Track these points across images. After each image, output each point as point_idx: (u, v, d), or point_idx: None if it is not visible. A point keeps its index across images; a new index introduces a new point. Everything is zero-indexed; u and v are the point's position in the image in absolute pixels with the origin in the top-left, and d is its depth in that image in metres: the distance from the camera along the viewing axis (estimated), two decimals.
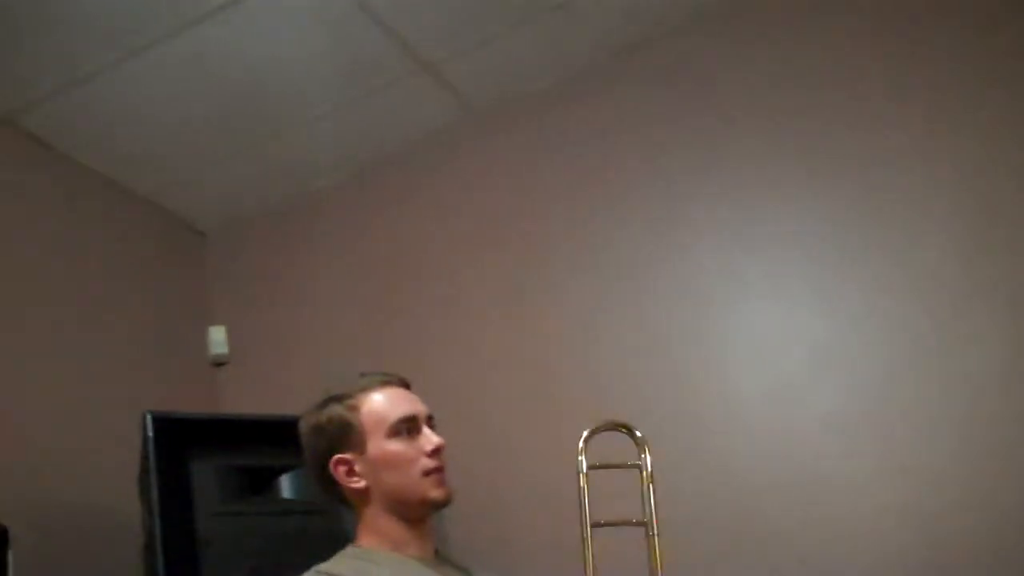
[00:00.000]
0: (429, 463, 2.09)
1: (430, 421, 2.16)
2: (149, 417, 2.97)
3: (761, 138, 3.47)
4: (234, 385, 4.18)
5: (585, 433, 2.12)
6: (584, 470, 2.05)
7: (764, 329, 3.32)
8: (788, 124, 3.43)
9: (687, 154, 3.57)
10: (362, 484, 2.11)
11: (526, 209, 3.83)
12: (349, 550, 2.12)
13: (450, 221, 3.97)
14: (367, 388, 2.16)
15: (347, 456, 2.12)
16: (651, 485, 2.03)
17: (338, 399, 2.16)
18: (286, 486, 3.11)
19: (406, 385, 2.22)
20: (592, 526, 1.94)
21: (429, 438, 2.11)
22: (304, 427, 2.19)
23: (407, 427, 2.11)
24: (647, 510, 2.00)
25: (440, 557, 2.19)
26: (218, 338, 4.23)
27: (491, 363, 3.71)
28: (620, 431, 2.17)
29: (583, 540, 1.92)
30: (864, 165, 3.28)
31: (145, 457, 2.95)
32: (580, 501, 1.99)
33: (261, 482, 3.11)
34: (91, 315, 3.71)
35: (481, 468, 3.47)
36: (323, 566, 2.02)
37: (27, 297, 3.47)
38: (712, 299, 3.42)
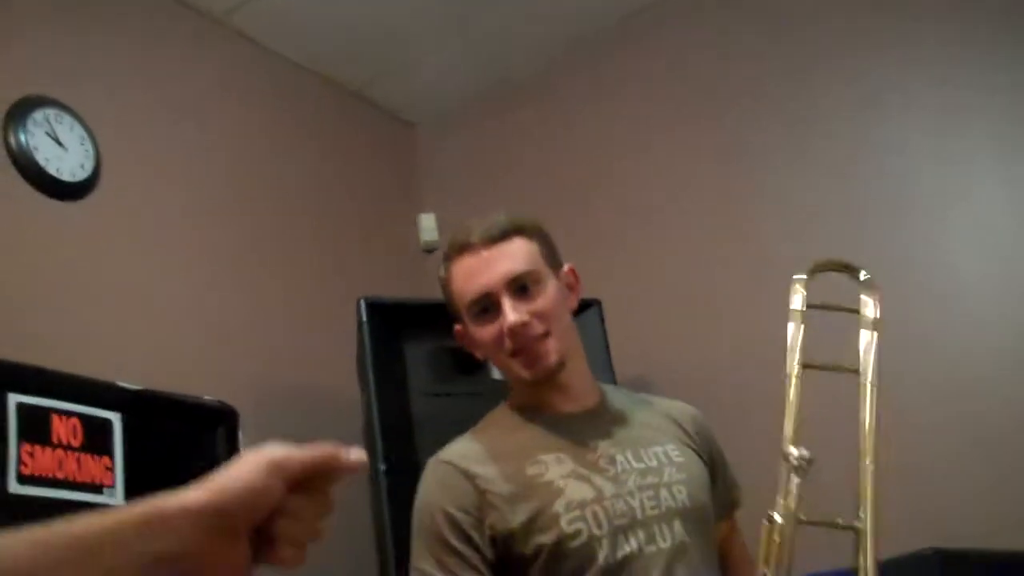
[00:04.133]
0: (512, 343, 1.84)
1: (518, 283, 1.86)
2: (363, 303, 3.06)
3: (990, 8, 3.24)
4: None
5: (802, 276, 1.81)
6: (800, 307, 1.74)
7: (991, 218, 3.15)
8: None
9: (895, 25, 3.38)
10: (481, 354, 1.96)
11: (729, 87, 3.72)
12: (491, 415, 1.99)
13: (651, 106, 3.90)
14: (450, 257, 1.92)
15: (461, 328, 1.95)
16: (874, 332, 1.75)
17: (444, 260, 1.96)
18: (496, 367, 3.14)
19: (493, 239, 1.88)
20: (803, 366, 1.66)
21: (505, 316, 1.82)
22: None
23: (485, 306, 1.86)
24: (866, 357, 1.71)
25: (608, 407, 1.95)
26: (428, 225, 4.31)
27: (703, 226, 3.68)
28: (842, 272, 1.87)
29: (788, 379, 1.66)
30: None
31: (361, 341, 3.05)
32: (792, 342, 1.70)
33: (472, 363, 3.14)
34: (307, 207, 3.82)
35: (690, 317, 3.52)
36: (450, 449, 1.90)
37: (246, 194, 3.61)
38: (931, 176, 3.26)
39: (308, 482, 0.95)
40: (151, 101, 3.40)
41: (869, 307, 1.80)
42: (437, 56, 4.11)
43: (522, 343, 1.83)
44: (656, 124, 3.89)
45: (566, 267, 2.00)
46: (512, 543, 1.75)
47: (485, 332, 1.86)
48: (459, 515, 1.77)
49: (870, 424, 1.63)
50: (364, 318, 3.05)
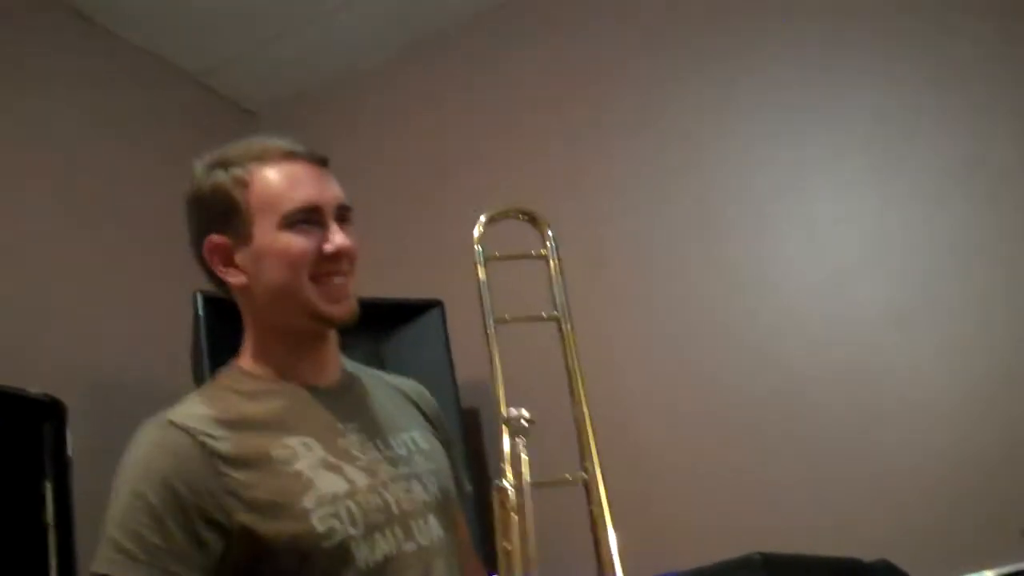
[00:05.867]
0: (325, 266, 1.62)
1: (343, 214, 1.67)
2: (199, 296, 3.00)
3: (818, 16, 3.35)
4: None
5: (483, 218, 1.73)
6: (482, 261, 1.68)
7: (819, 212, 3.25)
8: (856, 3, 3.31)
9: (742, 31, 3.47)
10: (241, 280, 1.67)
11: (574, 89, 3.77)
12: (223, 375, 1.73)
13: (497, 100, 3.92)
14: (264, 158, 1.67)
15: (225, 240, 1.68)
16: (560, 275, 1.69)
17: (226, 165, 1.69)
18: None
19: (323, 161, 1.70)
20: (497, 322, 1.61)
21: (332, 235, 1.63)
22: (187, 196, 1.78)
23: (308, 218, 1.63)
24: (558, 303, 1.66)
25: (353, 385, 1.77)
26: None
27: None
28: (520, 218, 1.78)
29: (486, 337, 1.61)
30: (935, 46, 3.16)
31: (196, 336, 2.98)
32: (480, 295, 1.65)
33: None
34: (142, 194, 3.71)
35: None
36: (177, 410, 1.60)
37: (76, 178, 3.48)
38: (763, 179, 3.35)
39: None
40: None
41: (551, 251, 1.74)
42: (277, 45, 4.04)
43: (337, 270, 1.64)
44: (498, 121, 3.92)
45: None
46: (252, 538, 1.49)
47: (298, 243, 1.62)
48: (183, 491, 1.48)
49: (575, 369, 1.59)
50: (200, 312, 2.99)
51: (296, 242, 1.62)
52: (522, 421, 1.45)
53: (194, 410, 1.60)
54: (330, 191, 1.67)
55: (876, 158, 3.19)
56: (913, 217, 3.11)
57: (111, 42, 3.77)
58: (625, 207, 3.56)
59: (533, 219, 1.75)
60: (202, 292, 3.01)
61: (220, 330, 2.98)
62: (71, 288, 3.31)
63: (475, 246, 1.69)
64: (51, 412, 2.68)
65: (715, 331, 3.29)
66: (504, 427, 1.46)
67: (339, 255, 1.62)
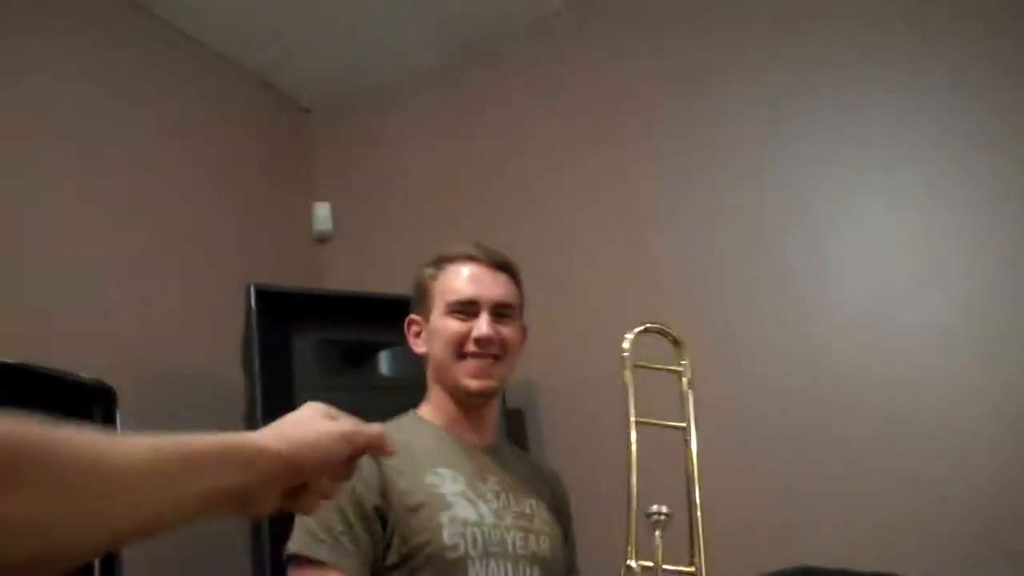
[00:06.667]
0: (469, 347, 2.09)
1: (500, 309, 2.14)
2: (253, 289, 3.03)
3: (872, 32, 3.31)
4: (337, 261, 4.22)
5: (630, 335, 1.94)
6: (628, 366, 1.89)
7: (870, 233, 3.21)
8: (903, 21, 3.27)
9: (794, 47, 3.43)
10: (423, 349, 2.17)
11: (626, 99, 3.74)
12: (405, 417, 2.17)
13: (551, 106, 3.91)
14: (453, 259, 2.18)
15: (417, 318, 2.20)
16: (690, 391, 1.96)
17: (431, 263, 2.21)
18: (385, 362, 3.14)
19: (497, 265, 2.18)
20: (637, 422, 1.84)
21: (479, 325, 2.09)
22: None
23: (464, 309, 2.11)
24: (686, 414, 1.93)
25: (502, 451, 2.23)
26: (322, 214, 4.26)
27: (583, 249, 3.68)
28: (660, 335, 2.02)
29: (627, 435, 1.82)
30: (991, 56, 3.11)
31: (248, 328, 3.01)
32: (625, 397, 1.87)
33: (361, 357, 3.15)
34: (199, 189, 3.75)
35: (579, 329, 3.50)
36: None
37: (132, 171, 3.52)
38: (815, 197, 3.31)
39: None
40: (42, 70, 3.30)
41: (686, 368, 1.98)
42: (335, 44, 4.07)
43: (480, 352, 2.08)
44: (554, 125, 3.89)
45: (523, 323, 2.26)
46: (397, 534, 1.92)
47: (453, 326, 2.10)
48: (365, 494, 1.91)
49: (692, 475, 1.84)
50: (253, 305, 3.02)
51: (452, 326, 2.10)
52: (662, 516, 1.69)
53: None
54: (491, 291, 2.14)
55: (927, 174, 3.14)
56: (961, 234, 3.06)
57: (169, 36, 3.81)
58: (667, 214, 3.56)
59: (676, 341, 2.00)
60: (256, 285, 3.04)
61: (271, 322, 3.01)
62: (126, 278, 3.35)
63: (623, 354, 1.90)
64: (101, 397, 2.71)
65: (762, 346, 3.27)
66: (644, 518, 1.71)
67: (481, 341, 2.08)
